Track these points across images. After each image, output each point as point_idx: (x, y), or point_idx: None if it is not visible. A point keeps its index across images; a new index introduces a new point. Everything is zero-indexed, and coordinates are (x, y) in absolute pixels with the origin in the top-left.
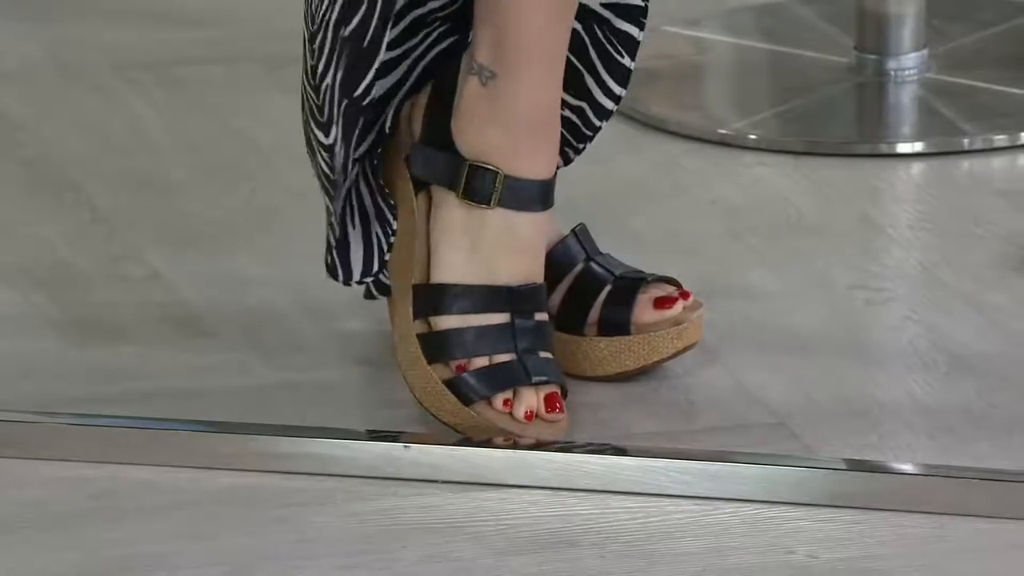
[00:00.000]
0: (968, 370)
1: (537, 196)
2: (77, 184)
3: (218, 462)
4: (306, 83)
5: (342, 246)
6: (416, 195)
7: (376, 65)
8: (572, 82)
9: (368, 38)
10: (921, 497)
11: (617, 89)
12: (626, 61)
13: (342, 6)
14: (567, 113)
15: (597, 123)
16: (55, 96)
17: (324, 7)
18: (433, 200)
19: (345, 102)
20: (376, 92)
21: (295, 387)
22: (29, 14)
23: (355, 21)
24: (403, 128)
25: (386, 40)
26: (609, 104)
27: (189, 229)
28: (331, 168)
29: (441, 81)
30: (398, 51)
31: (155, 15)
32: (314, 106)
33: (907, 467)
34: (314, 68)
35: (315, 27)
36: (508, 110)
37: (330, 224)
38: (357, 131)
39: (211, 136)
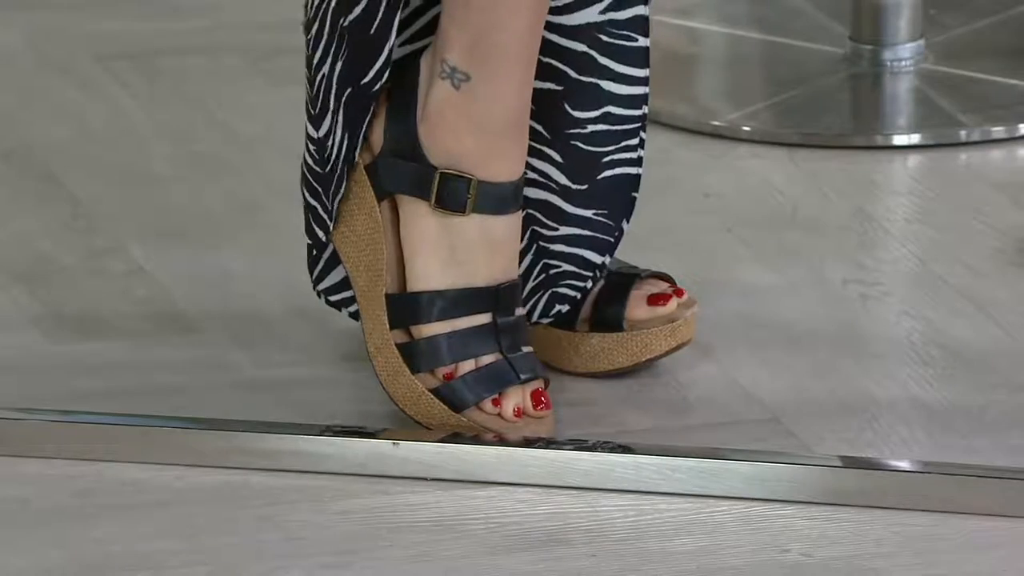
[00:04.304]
0: (965, 365)
1: (510, 197)
2: (58, 176)
3: (203, 459)
4: (305, 74)
5: (321, 249)
6: (379, 203)
7: (387, 51)
8: (586, 99)
9: (376, 24)
10: (918, 494)
11: (640, 72)
12: (641, 43)
13: None
14: (592, 128)
15: (630, 113)
16: (35, 86)
17: None
18: (401, 209)
19: (349, 91)
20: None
21: (281, 383)
22: (8, 2)
23: (357, 10)
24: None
25: (396, 24)
26: (639, 90)
27: (172, 223)
28: (318, 162)
29: (400, 87)
30: (418, 44)
31: (137, 4)
32: (308, 98)
33: (903, 464)
34: (310, 59)
35: (310, 16)
36: (484, 113)
37: (312, 227)
38: (367, 120)
39: (194, 128)
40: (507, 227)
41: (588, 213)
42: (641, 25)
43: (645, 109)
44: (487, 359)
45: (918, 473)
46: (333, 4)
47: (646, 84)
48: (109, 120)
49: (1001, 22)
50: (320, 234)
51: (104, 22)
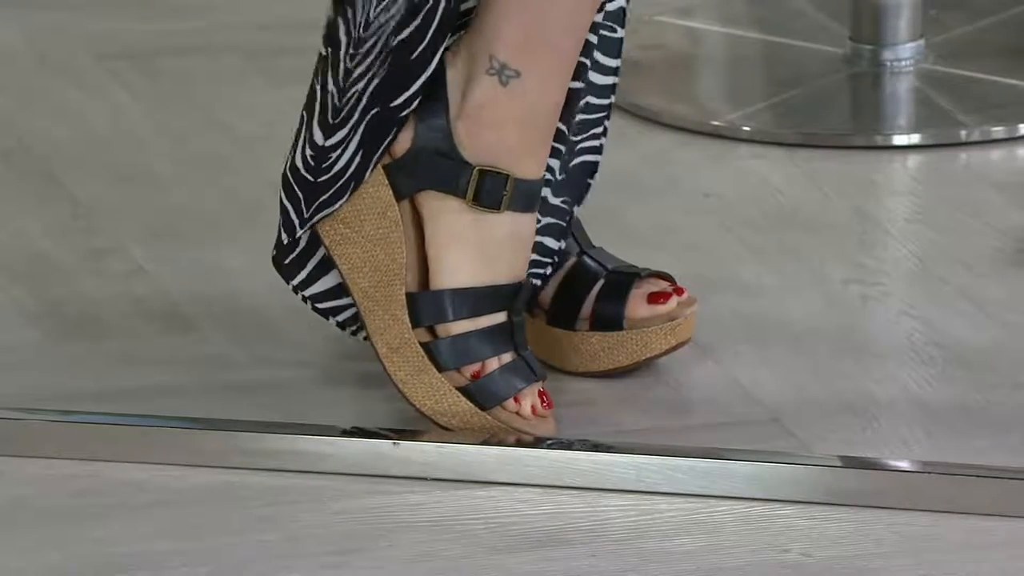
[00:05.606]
0: (965, 365)
1: (537, 195)
2: (58, 176)
3: (203, 459)
4: (329, 81)
5: (305, 252)
6: (398, 203)
7: (424, 77)
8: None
9: (421, 49)
10: (917, 494)
11: (613, 63)
12: (619, 34)
13: (401, 14)
14: (580, 117)
15: (601, 102)
16: (35, 86)
17: (380, 13)
18: (424, 207)
19: (376, 110)
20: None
21: (280, 383)
22: (8, 2)
23: (406, 32)
24: None
25: (440, 53)
26: (611, 79)
27: (172, 222)
28: (311, 169)
29: (431, 85)
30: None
31: (137, 4)
32: (330, 105)
33: (903, 464)
34: (348, 71)
35: (367, 32)
36: (530, 110)
37: (288, 225)
38: (387, 141)
39: (193, 127)
40: (532, 224)
41: (558, 201)
42: (622, 17)
43: (612, 99)
44: (507, 357)
45: (918, 473)
46: (392, 24)
47: (617, 74)
48: (109, 120)
49: (1001, 22)
50: (284, 236)
51: (104, 22)
